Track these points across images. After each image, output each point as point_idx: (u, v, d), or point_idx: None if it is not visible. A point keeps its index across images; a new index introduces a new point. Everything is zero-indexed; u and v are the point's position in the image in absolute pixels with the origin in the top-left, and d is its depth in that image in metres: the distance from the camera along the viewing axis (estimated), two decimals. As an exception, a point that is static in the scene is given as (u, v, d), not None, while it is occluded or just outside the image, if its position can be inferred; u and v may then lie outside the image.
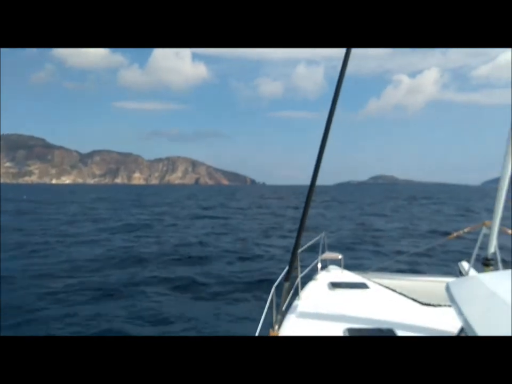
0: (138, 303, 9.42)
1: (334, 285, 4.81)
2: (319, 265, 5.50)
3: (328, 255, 5.69)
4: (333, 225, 26.45)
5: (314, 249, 5.64)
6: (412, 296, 4.67)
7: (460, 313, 1.97)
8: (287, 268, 3.80)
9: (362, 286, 4.90)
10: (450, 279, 5.78)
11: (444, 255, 15.19)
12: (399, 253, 14.90)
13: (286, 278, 3.69)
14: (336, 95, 2.81)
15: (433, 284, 5.50)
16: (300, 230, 3.79)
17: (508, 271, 2.52)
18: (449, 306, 3.97)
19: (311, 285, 4.88)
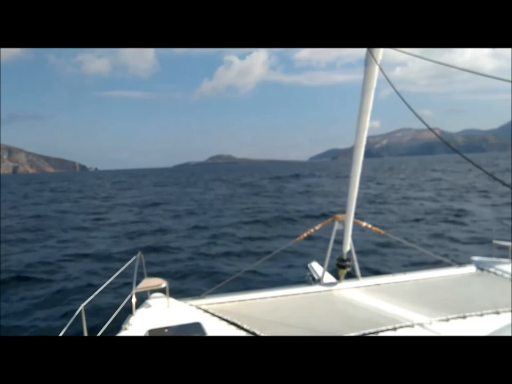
0: None
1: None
2: (134, 300, 3.69)
3: (147, 283, 3.97)
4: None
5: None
6: (253, 328, 3.55)
7: None
8: None
9: (195, 329, 3.48)
10: (303, 289, 4.65)
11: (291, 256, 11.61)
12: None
13: None
14: None
15: (282, 299, 4.50)
16: None
17: None
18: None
19: None
